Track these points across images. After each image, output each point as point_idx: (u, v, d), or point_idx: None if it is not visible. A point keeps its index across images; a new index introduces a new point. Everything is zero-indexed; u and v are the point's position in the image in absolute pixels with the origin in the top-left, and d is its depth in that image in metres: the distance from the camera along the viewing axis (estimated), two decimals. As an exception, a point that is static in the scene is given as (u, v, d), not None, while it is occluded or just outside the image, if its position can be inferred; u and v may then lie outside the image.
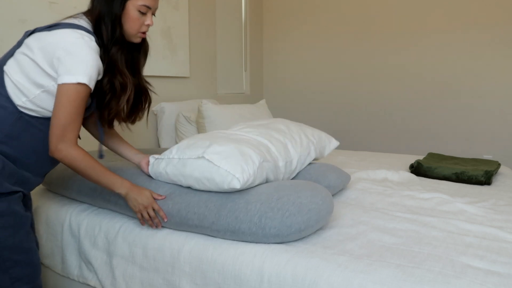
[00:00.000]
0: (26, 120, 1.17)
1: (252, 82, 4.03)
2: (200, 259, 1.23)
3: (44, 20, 2.04)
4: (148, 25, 1.28)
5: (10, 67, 1.15)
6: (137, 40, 1.30)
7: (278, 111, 4.22)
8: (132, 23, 1.25)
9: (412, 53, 3.57)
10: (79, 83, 1.13)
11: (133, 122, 1.40)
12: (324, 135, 1.86)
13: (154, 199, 1.32)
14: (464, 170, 2.07)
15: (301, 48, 4.07)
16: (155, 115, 2.65)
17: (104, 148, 1.49)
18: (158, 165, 1.40)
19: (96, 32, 1.22)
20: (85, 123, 1.46)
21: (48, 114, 1.19)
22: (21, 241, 1.18)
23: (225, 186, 1.24)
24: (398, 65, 3.64)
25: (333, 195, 1.72)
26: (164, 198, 1.32)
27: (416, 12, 3.51)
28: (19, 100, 1.14)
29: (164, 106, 2.60)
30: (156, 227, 1.33)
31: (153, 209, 1.30)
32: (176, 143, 2.59)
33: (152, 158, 1.44)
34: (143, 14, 1.26)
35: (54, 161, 1.29)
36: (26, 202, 1.33)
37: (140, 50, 1.36)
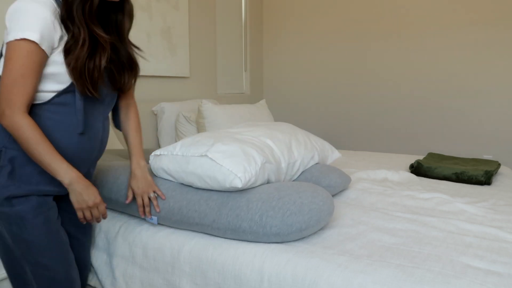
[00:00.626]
0: None
1: (252, 82, 4.03)
2: (200, 259, 1.23)
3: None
4: None
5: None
6: None
7: (278, 111, 4.22)
8: None
9: (412, 53, 3.57)
10: (23, 39, 0.98)
11: (119, 90, 1.25)
12: (327, 145, 1.89)
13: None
14: (464, 170, 2.07)
15: (301, 48, 4.07)
16: (155, 115, 2.65)
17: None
18: (160, 161, 1.39)
19: None
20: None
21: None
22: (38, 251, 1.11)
23: (227, 185, 1.25)
24: (398, 65, 3.64)
25: (333, 196, 1.72)
26: (105, 205, 1.18)
27: (416, 13, 3.51)
28: None
29: (164, 106, 2.60)
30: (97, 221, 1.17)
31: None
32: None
33: (152, 155, 1.42)
34: None
35: (82, 148, 1.15)
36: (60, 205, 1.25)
37: (123, 11, 1.21)
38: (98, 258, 1.45)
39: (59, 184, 1.14)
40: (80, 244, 1.33)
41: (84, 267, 1.36)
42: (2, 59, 1.08)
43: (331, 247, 1.18)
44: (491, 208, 1.58)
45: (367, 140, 3.86)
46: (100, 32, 1.10)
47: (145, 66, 2.53)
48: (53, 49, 1.05)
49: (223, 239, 1.27)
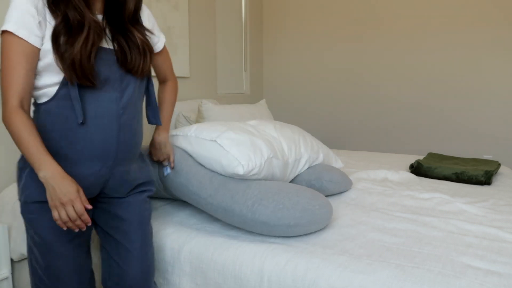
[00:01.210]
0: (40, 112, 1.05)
1: (252, 82, 4.03)
2: (200, 259, 1.23)
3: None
4: None
5: None
6: None
7: (278, 111, 4.22)
8: None
9: (412, 53, 3.57)
10: (3, 32, 0.97)
11: (131, 72, 1.12)
12: (332, 154, 1.94)
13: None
14: (464, 170, 2.07)
15: (301, 48, 4.07)
16: (155, 115, 2.65)
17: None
18: (175, 140, 1.47)
19: None
20: None
21: (40, 93, 1.04)
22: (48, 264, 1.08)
23: (230, 171, 1.32)
24: (398, 65, 3.65)
25: (333, 195, 1.73)
26: (91, 208, 1.00)
27: (416, 13, 3.52)
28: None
29: (164, 106, 2.60)
30: (80, 229, 1.00)
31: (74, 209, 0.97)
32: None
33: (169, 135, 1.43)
34: None
35: (89, 140, 1.06)
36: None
37: None
38: (97, 258, 1.45)
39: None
40: (125, 251, 1.17)
41: (125, 276, 1.16)
42: None
43: (331, 247, 1.18)
44: (491, 208, 1.58)
45: (367, 140, 3.86)
46: (90, 14, 1.02)
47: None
48: (41, 38, 1.00)
49: (223, 239, 1.27)
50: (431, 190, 1.87)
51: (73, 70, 0.99)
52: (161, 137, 1.36)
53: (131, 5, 1.11)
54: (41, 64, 1.02)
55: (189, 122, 2.56)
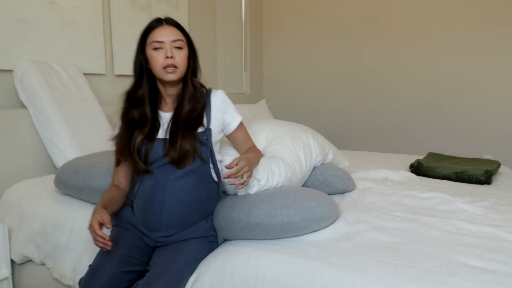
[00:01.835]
0: None
1: (252, 82, 4.03)
2: (195, 259, 1.23)
3: (44, 20, 2.04)
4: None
5: None
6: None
7: (278, 111, 4.22)
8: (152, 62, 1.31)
9: (412, 53, 3.57)
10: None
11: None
12: (340, 153, 1.97)
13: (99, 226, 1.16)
14: (464, 169, 2.07)
15: (301, 48, 4.07)
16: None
17: None
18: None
19: None
20: None
21: None
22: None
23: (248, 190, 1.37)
24: (398, 65, 3.64)
25: (334, 195, 1.72)
26: (106, 227, 1.16)
27: (416, 13, 3.51)
28: None
29: (164, 106, 2.60)
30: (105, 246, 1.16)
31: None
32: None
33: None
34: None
35: (138, 212, 1.33)
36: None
37: (184, 93, 1.36)
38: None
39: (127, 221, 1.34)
40: (170, 255, 1.24)
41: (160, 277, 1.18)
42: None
43: (325, 247, 1.18)
44: (491, 208, 1.58)
45: (367, 140, 3.86)
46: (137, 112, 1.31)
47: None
48: None
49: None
50: (431, 189, 1.86)
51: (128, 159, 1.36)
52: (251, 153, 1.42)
53: (187, 106, 1.32)
54: None
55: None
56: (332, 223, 1.34)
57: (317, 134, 1.86)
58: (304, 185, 1.67)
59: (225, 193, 1.44)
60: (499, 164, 2.22)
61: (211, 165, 1.34)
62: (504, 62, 3.24)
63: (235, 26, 3.71)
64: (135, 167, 1.30)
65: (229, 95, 3.48)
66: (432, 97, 3.53)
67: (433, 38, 3.47)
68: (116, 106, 1.42)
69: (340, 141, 3.95)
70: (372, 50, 3.74)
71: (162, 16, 1.36)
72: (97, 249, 1.34)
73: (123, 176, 1.38)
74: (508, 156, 3.26)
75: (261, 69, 4.24)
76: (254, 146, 1.52)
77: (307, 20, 4.00)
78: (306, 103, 4.11)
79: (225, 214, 1.28)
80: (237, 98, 3.70)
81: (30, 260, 1.65)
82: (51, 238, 1.53)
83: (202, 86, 1.39)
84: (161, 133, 1.30)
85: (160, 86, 1.35)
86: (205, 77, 1.47)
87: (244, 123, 1.50)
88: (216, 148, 1.38)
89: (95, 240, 1.13)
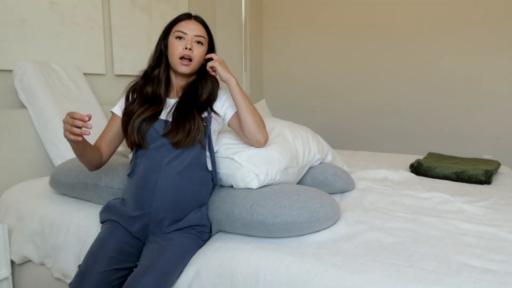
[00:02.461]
0: None
1: (252, 82, 4.03)
2: (196, 258, 1.23)
3: (44, 20, 2.04)
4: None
5: None
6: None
7: (278, 111, 4.22)
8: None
9: (412, 54, 3.57)
10: None
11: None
12: (338, 157, 1.96)
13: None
14: (464, 169, 2.07)
15: (301, 48, 4.07)
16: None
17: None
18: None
19: None
20: None
21: None
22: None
23: (244, 185, 1.35)
24: (398, 65, 3.64)
25: (334, 195, 1.72)
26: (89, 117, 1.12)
27: (417, 13, 3.51)
28: None
29: (164, 106, 2.60)
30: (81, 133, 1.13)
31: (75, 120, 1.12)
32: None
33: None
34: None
35: (131, 188, 1.34)
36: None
37: (201, 82, 1.44)
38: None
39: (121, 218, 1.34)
40: (158, 247, 1.23)
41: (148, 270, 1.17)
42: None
43: (326, 247, 1.18)
44: (491, 208, 1.58)
45: (367, 140, 3.86)
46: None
47: (145, 66, 2.53)
48: None
49: (217, 239, 1.28)
50: (431, 189, 1.86)
51: (128, 136, 1.37)
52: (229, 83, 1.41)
53: (204, 93, 1.41)
54: None
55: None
56: (333, 224, 1.34)
57: (316, 135, 1.86)
58: (303, 185, 1.67)
59: (221, 186, 1.44)
60: (499, 164, 2.21)
61: (207, 153, 1.37)
62: (504, 62, 3.24)
63: (235, 26, 3.71)
64: (130, 140, 1.33)
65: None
66: (432, 97, 3.53)
67: (433, 38, 3.47)
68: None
69: (340, 141, 3.95)
70: (372, 50, 3.74)
71: (192, 13, 1.45)
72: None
73: (106, 143, 1.39)
74: (508, 156, 3.26)
75: (261, 69, 4.24)
76: None
77: (307, 20, 4.00)
78: (306, 103, 4.10)
79: (226, 209, 1.27)
80: (237, 98, 3.70)
81: (29, 260, 1.65)
82: (50, 238, 1.53)
83: (217, 80, 1.47)
84: (163, 115, 1.35)
85: (172, 74, 1.43)
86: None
87: None
88: (213, 138, 1.42)
89: (68, 126, 1.10)
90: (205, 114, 1.38)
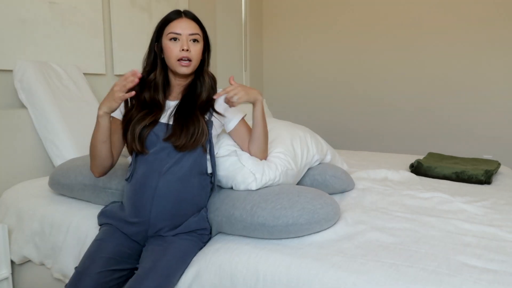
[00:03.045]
0: None
1: (252, 82, 4.03)
2: (196, 259, 1.23)
3: (44, 20, 2.04)
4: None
5: None
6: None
7: (278, 111, 4.22)
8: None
9: (412, 53, 3.57)
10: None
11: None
12: (338, 156, 1.96)
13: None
14: (464, 169, 2.07)
15: (301, 48, 4.07)
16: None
17: None
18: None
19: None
20: None
21: None
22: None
23: (244, 186, 1.34)
24: (398, 65, 3.64)
25: (334, 195, 1.72)
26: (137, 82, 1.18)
27: (417, 12, 3.51)
28: None
29: (164, 106, 2.60)
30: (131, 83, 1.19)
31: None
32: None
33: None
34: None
35: (129, 193, 1.31)
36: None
37: (200, 81, 1.42)
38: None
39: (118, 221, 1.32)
40: (159, 250, 1.22)
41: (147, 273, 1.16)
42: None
43: (326, 247, 1.18)
44: (491, 207, 1.58)
45: (367, 140, 3.86)
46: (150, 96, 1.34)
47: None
48: None
49: (217, 240, 1.28)
50: (431, 189, 1.86)
51: (129, 142, 1.33)
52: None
53: (203, 94, 1.38)
54: None
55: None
56: (333, 224, 1.34)
57: (316, 135, 1.86)
58: (303, 186, 1.67)
59: (220, 187, 1.43)
60: (499, 164, 2.21)
61: (208, 156, 1.35)
62: (504, 62, 3.24)
63: (235, 26, 3.71)
64: (130, 147, 1.29)
65: (229, 95, 3.33)
66: (432, 97, 3.53)
67: (433, 38, 3.47)
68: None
69: (340, 141, 3.95)
70: (372, 50, 3.73)
71: (181, 9, 1.41)
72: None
73: (112, 147, 1.34)
74: (508, 156, 3.26)
75: (261, 69, 4.23)
76: None
77: (307, 20, 4.00)
78: (306, 103, 4.10)
79: (226, 211, 1.27)
80: (237, 98, 3.70)
81: (29, 261, 1.65)
82: (50, 238, 1.53)
83: (215, 79, 1.45)
84: (163, 118, 1.32)
85: (171, 76, 1.39)
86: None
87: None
88: (213, 141, 1.39)
89: (121, 85, 1.17)
90: (207, 117, 1.35)
